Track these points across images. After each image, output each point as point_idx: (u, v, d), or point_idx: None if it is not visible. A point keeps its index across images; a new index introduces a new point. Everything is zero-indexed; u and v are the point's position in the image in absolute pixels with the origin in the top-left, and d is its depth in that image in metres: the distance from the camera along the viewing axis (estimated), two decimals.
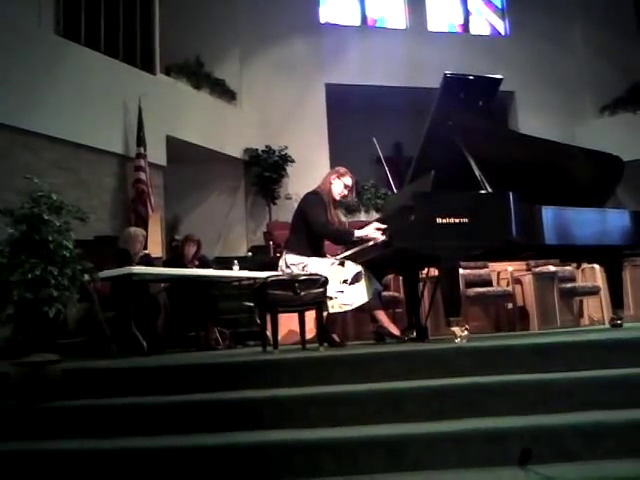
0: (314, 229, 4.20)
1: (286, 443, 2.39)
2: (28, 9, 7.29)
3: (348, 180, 4.40)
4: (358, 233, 4.03)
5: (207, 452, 2.39)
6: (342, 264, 4.15)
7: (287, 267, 4.21)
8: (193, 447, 2.40)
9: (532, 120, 11.26)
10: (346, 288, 4.07)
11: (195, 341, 5.62)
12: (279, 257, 4.45)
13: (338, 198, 4.43)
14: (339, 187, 4.39)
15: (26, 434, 2.67)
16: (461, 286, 5.50)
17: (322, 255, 4.30)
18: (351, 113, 11.28)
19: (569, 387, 2.68)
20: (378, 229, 3.90)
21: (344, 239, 4.23)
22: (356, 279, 4.08)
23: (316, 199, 4.29)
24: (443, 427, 2.46)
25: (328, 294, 3.97)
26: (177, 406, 2.73)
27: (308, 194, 4.38)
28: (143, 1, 9.03)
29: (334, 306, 4.08)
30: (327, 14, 12.02)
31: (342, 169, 4.45)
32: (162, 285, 5.68)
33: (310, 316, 4.12)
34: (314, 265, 4.14)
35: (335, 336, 4.30)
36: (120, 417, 2.71)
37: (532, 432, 2.38)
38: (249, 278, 5.91)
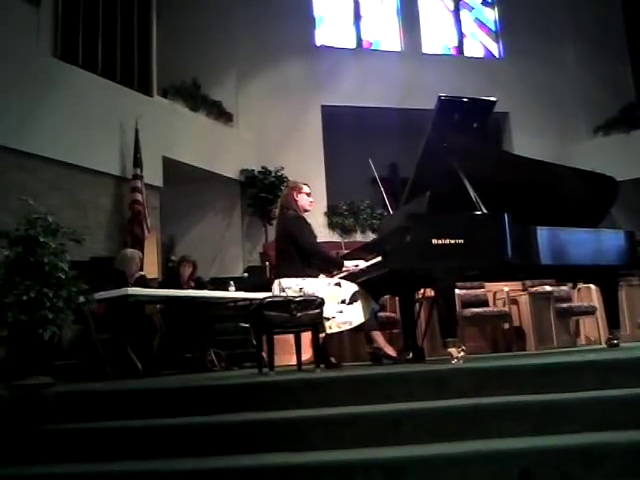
0: (307, 253, 4.21)
1: (283, 466, 2.37)
2: (26, 31, 7.34)
3: (306, 189, 4.45)
4: (348, 264, 4.15)
5: (204, 476, 2.36)
6: (339, 284, 4.14)
7: (282, 291, 4.17)
8: (190, 471, 2.38)
9: (526, 141, 11.34)
10: (344, 308, 4.06)
11: (191, 363, 5.59)
12: (275, 278, 4.42)
13: (310, 209, 4.48)
14: (304, 200, 4.41)
15: (19, 458, 2.64)
16: (457, 307, 5.49)
17: (316, 275, 4.29)
18: (347, 134, 11.34)
19: (569, 408, 2.66)
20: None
21: (334, 266, 4.28)
22: (354, 298, 4.07)
23: (302, 222, 4.30)
24: (442, 449, 2.43)
25: (326, 314, 3.96)
26: (173, 429, 2.70)
27: (289, 217, 4.34)
28: (140, 24, 9.10)
29: (332, 326, 4.07)
30: (323, 37, 12.13)
31: (292, 183, 4.53)
32: (158, 306, 5.65)
33: (306, 337, 4.11)
34: (311, 286, 4.12)
35: (332, 358, 4.28)
36: (115, 440, 2.68)
37: (532, 454, 2.36)
38: (245, 299, 5.88)
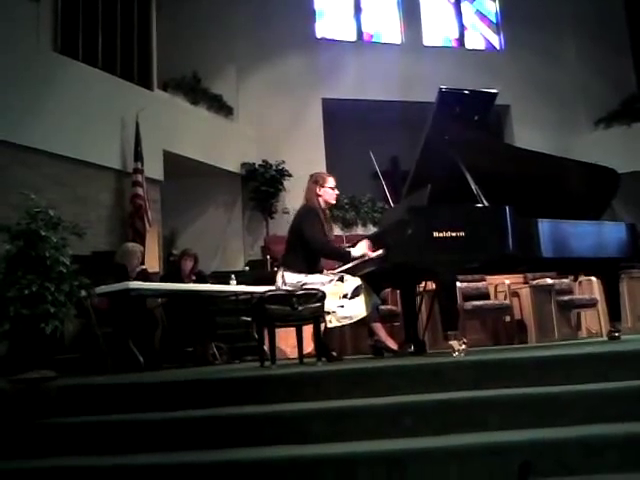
0: (312, 247, 4.14)
1: (286, 459, 2.38)
2: (27, 26, 7.33)
3: (331, 182, 4.33)
4: (355, 253, 4.02)
5: (205, 469, 2.37)
6: (341, 279, 4.11)
7: (284, 284, 4.16)
8: (191, 464, 2.39)
9: (527, 133, 11.32)
10: (346, 302, 4.03)
11: (192, 356, 5.60)
12: (277, 271, 4.41)
13: (334, 202, 4.41)
14: (329, 195, 4.32)
15: (22, 451, 2.65)
16: (458, 299, 5.49)
17: (319, 271, 4.27)
18: (347, 127, 11.33)
19: (569, 400, 2.67)
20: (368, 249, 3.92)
21: (342, 259, 4.19)
22: (356, 293, 4.04)
23: (312, 215, 4.21)
24: (444, 442, 2.44)
25: (327, 308, 3.95)
26: (174, 422, 2.71)
27: (303, 210, 4.30)
28: (140, 18, 9.08)
29: (332, 320, 4.06)
30: (323, 30, 12.10)
31: (318, 177, 4.36)
32: (159, 300, 5.66)
33: (308, 331, 4.12)
34: (313, 282, 4.10)
35: (333, 351, 4.28)
36: (117, 434, 2.69)
37: (533, 446, 2.37)
38: (246, 293, 5.89)
